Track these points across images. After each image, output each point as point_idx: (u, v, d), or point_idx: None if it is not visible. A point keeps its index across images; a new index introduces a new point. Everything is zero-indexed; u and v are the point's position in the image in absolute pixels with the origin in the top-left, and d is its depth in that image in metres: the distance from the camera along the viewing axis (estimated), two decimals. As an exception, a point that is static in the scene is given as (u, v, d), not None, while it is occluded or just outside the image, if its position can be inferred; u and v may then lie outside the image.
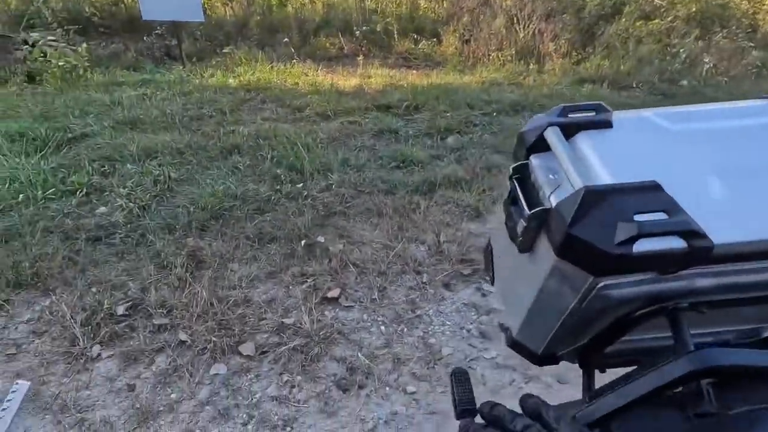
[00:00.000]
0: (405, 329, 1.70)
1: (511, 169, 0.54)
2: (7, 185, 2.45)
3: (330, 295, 1.83)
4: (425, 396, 1.45)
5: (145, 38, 6.03)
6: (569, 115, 0.53)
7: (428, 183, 2.68)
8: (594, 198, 0.42)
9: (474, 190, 2.61)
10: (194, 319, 1.68)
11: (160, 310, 1.73)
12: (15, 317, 1.71)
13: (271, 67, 5.47)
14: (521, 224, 0.51)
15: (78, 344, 1.58)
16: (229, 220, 2.27)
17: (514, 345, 0.68)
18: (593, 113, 0.53)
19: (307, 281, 1.91)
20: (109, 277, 1.87)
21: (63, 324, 1.65)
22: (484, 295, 1.88)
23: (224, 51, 5.94)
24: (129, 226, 2.21)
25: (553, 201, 0.47)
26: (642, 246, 0.42)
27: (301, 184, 2.64)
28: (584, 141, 0.50)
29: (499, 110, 4.08)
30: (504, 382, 1.50)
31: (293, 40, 6.30)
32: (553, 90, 4.87)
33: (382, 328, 1.71)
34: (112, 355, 1.57)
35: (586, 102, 0.54)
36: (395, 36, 6.71)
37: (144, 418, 1.35)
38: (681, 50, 5.98)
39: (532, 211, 0.48)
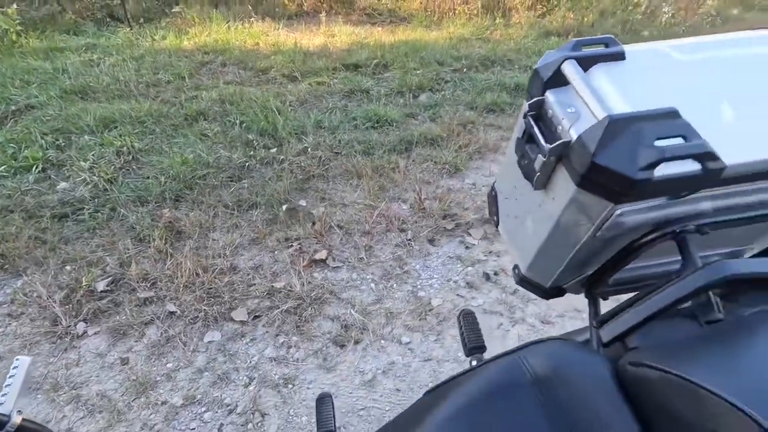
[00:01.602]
0: (394, 285, 1.74)
1: (526, 106, 0.54)
2: (-50, 164, 2.25)
3: (317, 257, 1.83)
4: (419, 345, 1.51)
5: (82, -3, 5.47)
6: (583, 49, 0.53)
7: (405, 142, 2.67)
8: (617, 126, 0.44)
9: (451, 147, 2.62)
10: (180, 289, 1.65)
11: (144, 284, 1.68)
12: (-15, 302, 1.62)
13: (228, 27, 5.13)
14: (539, 160, 0.52)
15: (60, 323, 1.53)
16: (204, 188, 2.19)
17: (523, 281, 0.71)
18: (605, 46, 0.54)
19: (292, 245, 1.89)
20: (84, 254, 1.79)
21: (40, 304, 1.58)
22: (467, 247, 1.93)
23: (174, 10, 5.50)
24: (96, 200, 2.10)
25: (574, 134, 0.48)
26: (662, 171, 0.44)
27: (275, 149, 2.56)
28: (600, 73, 0.51)
29: (469, 66, 4.04)
30: (492, 326, 1.58)
31: (249, -3, 5.90)
32: (520, 44, 4.84)
33: (372, 285, 1.74)
34: (99, 331, 1.53)
35: (597, 36, 0.55)
36: (357, -10, 6.41)
37: (143, 388, 1.35)
38: (641, 0, 6.05)
39: (553, 144, 0.49)
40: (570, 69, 0.50)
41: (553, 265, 0.63)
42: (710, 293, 0.46)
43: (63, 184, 2.21)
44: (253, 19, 5.43)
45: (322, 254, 1.84)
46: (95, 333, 1.52)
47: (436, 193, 2.25)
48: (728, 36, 0.55)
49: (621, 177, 0.43)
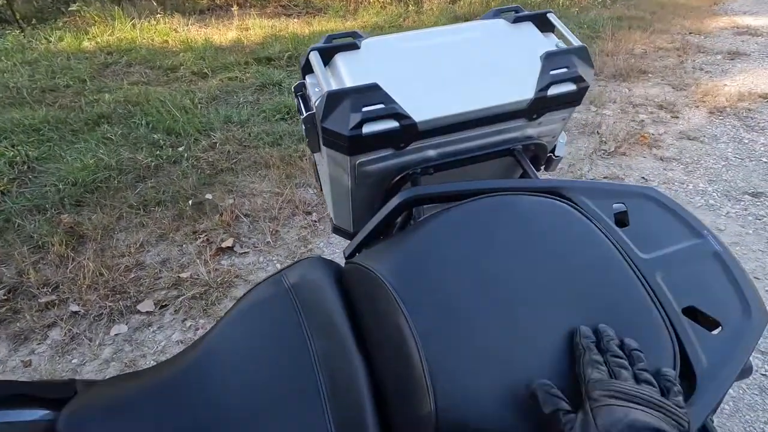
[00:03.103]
0: (299, 263, 1.88)
1: (292, 89, 0.69)
2: None
3: (224, 245, 1.92)
4: (320, 312, 1.66)
5: (-40, -1, 4.99)
6: (333, 41, 0.69)
7: (313, 130, 2.79)
8: (334, 98, 0.60)
9: (357, 132, 2.77)
10: (84, 290, 1.68)
11: (45, 289, 1.69)
12: None
13: (133, 25, 4.92)
14: (304, 128, 0.68)
15: (-46, 337, 1.51)
16: (107, 191, 2.19)
17: (336, 230, 0.88)
18: (352, 38, 0.70)
19: (199, 237, 1.97)
20: (-24, 268, 1.75)
21: (-70, 321, 1.55)
22: (368, 222, 2.11)
23: (71, 9, 5.17)
24: (-12, 213, 2.03)
25: (316, 106, 0.64)
26: (370, 128, 0.61)
27: (183, 147, 2.58)
28: (339, 60, 0.67)
29: (380, 54, 4.20)
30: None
31: (154, -8, 5.66)
32: (430, 30, 5.08)
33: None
34: (-2, 339, 1.53)
35: (346, 32, 0.71)
36: (270, -18, 6.34)
37: (46, 385, 1.39)
38: (540, -16, 6.51)
39: (303, 116, 0.65)
40: (313, 58, 0.65)
41: (346, 213, 0.79)
42: (422, 210, 0.63)
43: (-51, 200, 2.11)
44: (159, 15, 5.24)
45: (228, 242, 1.94)
46: (-6, 341, 1.53)
47: (342, 176, 2.39)
48: (444, 27, 0.73)
49: (339, 135, 0.60)
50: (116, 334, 1.57)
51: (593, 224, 0.53)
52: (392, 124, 0.61)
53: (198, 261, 1.84)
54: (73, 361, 1.48)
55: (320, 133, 0.62)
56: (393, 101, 0.61)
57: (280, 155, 2.51)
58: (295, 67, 3.94)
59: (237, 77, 3.68)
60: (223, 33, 4.92)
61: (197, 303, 1.68)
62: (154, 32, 4.78)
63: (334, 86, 0.61)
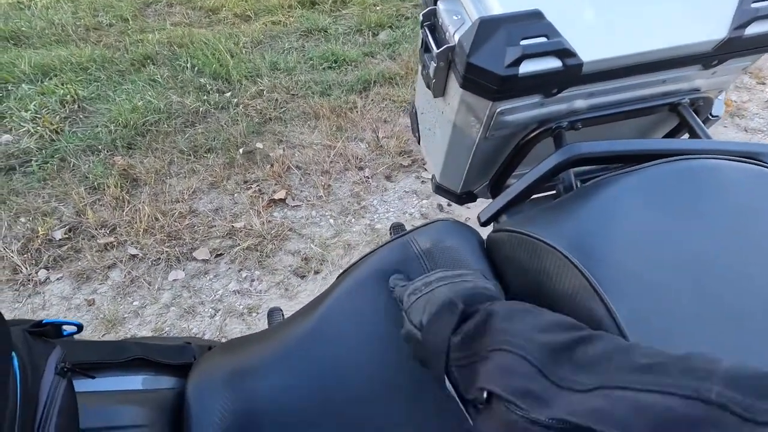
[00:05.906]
0: (353, 219, 1.82)
1: (420, 17, 0.58)
2: None
3: (276, 197, 1.87)
4: (376, 272, 1.62)
5: (0, -72, 4.86)
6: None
7: (363, 81, 2.64)
8: (488, 27, 0.49)
9: (409, 85, 2.61)
10: (141, 233, 1.68)
11: (103, 230, 1.70)
12: (-61, 255, 1.61)
13: (172, -39, 4.71)
14: (432, 66, 0.57)
15: (21, 272, 1.55)
16: (158, 135, 2.15)
17: (438, 189, 0.79)
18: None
19: (251, 187, 1.92)
20: (37, 205, 1.77)
21: (-2, 255, 1.59)
22: (423, 182, 2.01)
23: (109, -57, 4.98)
24: (44, 151, 2.03)
25: (457, 38, 0.52)
26: (527, 67, 0.50)
27: (230, 93, 2.50)
28: (484, -20, 0.54)
29: (431, 1, 3.90)
30: (444, 252, 1.70)
31: (193, -73, 5.37)
32: (484, -24, 4.67)
33: (331, 221, 1.81)
34: (62, 276, 1.56)
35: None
36: None
37: (111, 325, 1.41)
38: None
39: (439, 49, 0.54)
40: (454, -24, 0.53)
41: (459, 170, 0.70)
42: (571, 172, 0.53)
43: (6, 137, 2.12)
44: (199, -48, 4.99)
45: (281, 194, 1.88)
46: (58, 279, 1.55)
47: (394, 131, 2.27)
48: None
49: (490, 74, 0.49)
50: (174, 280, 1.57)
51: None
52: (554, 63, 0.49)
53: (251, 211, 1.80)
54: (134, 303, 1.49)
55: (461, 72, 0.51)
56: (558, 34, 0.49)
57: (330, 106, 2.39)
58: (341, 12, 3.72)
59: (281, 21, 3.50)
60: (264, -27, 4.66)
61: (252, 254, 1.65)
62: (194, -30, 4.57)
63: (484, 12, 0.50)
